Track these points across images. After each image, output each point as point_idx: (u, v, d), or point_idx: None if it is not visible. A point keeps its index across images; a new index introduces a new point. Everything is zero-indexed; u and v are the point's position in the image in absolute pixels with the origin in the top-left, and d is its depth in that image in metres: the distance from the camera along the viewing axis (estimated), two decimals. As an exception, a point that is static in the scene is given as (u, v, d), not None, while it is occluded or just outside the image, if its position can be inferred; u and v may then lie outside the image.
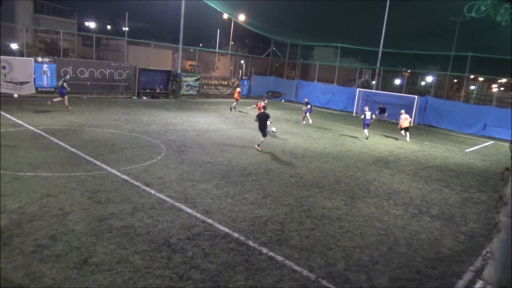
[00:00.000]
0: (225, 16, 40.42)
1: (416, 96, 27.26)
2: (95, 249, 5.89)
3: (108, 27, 60.64)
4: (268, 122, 14.48)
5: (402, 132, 19.78)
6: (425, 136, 22.19)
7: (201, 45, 47.14)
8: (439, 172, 13.39)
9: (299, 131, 18.82)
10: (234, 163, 11.71)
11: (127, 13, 35.45)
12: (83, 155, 10.94)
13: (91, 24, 56.73)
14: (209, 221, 7.32)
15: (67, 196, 7.84)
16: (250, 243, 6.59)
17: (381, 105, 27.05)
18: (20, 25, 38.79)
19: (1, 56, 21.80)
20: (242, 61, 45.59)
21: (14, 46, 37.66)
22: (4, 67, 20.97)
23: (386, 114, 26.77)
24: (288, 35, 36.45)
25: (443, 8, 24.40)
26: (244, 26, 38.14)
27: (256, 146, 13.99)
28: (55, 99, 18.56)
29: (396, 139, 19.87)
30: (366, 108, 19.17)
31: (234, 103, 24.55)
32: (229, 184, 9.71)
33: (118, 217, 7.11)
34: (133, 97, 25.94)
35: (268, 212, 8.09)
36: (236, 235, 6.84)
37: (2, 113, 15.96)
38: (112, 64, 26.87)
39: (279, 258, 6.17)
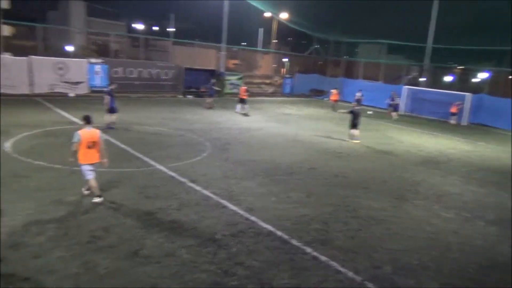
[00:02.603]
0: (268, 14, 40.50)
1: (468, 94, 25.83)
2: (144, 242, 6.13)
3: (155, 28, 62.66)
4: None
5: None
6: (478, 136, 20.97)
7: (244, 44, 47.52)
8: (495, 174, 12.62)
9: (344, 130, 18.46)
10: (277, 161, 11.72)
11: (172, 14, 36.48)
12: (132, 151, 11.41)
13: (139, 26, 58.89)
14: (253, 218, 7.38)
15: (118, 191, 8.22)
16: (294, 242, 6.57)
17: (393, 93, 26.47)
18: (74, 28, 41.08)
19: (58, 58, 23.24)
20: (285, 59, 45.43)
21: (69, 48, 39.87)
22: (60, 68, 22.31)
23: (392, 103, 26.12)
24: (332, 32, 35.86)
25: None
26: (287, 24, 38.01)
27: (354, 141, 14.78)
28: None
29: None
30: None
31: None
32: (273, 182, 9.73)
33: (165, 212, 7.35)
34: (178, 96, 26.64)
35: (312, 211, 8.03)
36: (279, 233, 6.85)
37: (59, 111, 17.00)
38: (158, 64, 27.78)
39: (323, 258, 6.10)
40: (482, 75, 35.28)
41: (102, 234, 6.23)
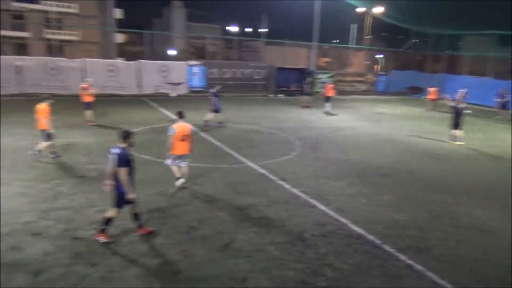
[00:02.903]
0: (361, 9, 39.06)
1: None
2: (235, 235, 6.41)
3: (248, 29, 64.72)
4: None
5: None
6: None
7: (336, 41, 46.58)
8: None
9: (443, 131, 17.04)
10: (369, 162, 11.30)
11: (265, 15, 37.29)
12: (226, 148, 11.98)
13: (233, 28, 61.41)
14: (343, 220, 7.23)
15: (212, 185, 8.72)
16: (386, 247, 6.29)
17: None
18: (176, 33, 44.42)
19: (162, 62, 25.41)
20: (379, 56, 43.42)
21: (171, 52, 43.23)
22: (164, 71, 24.35)
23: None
24: (431, 24, 33.20)
25: None
26: (381, 19, 36.24)
27: (457, 142, 13.90)
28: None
29: None
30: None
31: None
32: (364, 183, 9.41)
33: (256, 208, 7.59)
34: (269, 95, 27.17)
35: (407, 216, 7.58)
36: (370, 237, 6.61)
37: (162, 110, 18.55)
38: (251, 64, 28.67)
39: (419, 267, 5.73)
40: None
41: (197, 226, 6.68)
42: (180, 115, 8.27)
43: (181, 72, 25.05)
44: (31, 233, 6.12)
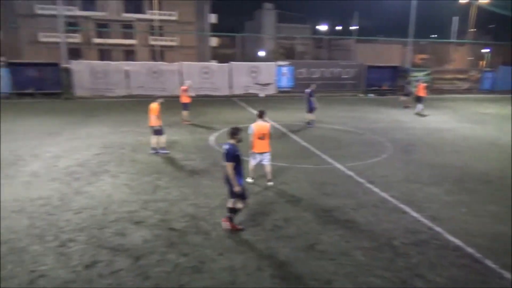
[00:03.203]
0: (463, 0, 35.67)
1: None
2: (320, 237, 6.35)
3: (338, 28, 63.34)
4: None
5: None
6: None
7: (434, 36, 43.20)
8: None
9: None
10: (470, 167, 10.30)
11: (356, 12, 36.14)
12: (312, 149, 11.92)
13: (323, 27, 60.64)
14: (438, 229, 6.71)
15: (298, 185, 8.74)
16: (488, 262, 5.68)
17: None
18: (266, 35, 45.36)
19: (252, 63, 26.20)
20: (486, 50, 39.20)
21: (261, 53, 44.27)
22: (253, 72, 25.06)
23: None
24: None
25: None
26: (488, 9, 32.62)
27: None
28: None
29: None
30: None
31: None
32: (464, 190, 8.61)
33: (342, 210, 7.43)
34: (359, 95, 26.31)
35: (515, 230, 6.76)
36: (470, 250, 6.03)
37: (251, 109, 19.12)
38: (340, 63, 28.04)
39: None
40: None
41: (283, 224, 6.77)
42: (261, 115, 8.55)
43: (270, 73, 25.53)
44: (133, 221, 6.81)
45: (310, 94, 15.28)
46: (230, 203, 6.49)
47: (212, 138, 13.09)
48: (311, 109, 15.35)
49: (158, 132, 10.89)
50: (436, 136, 14.15)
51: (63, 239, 6.09)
